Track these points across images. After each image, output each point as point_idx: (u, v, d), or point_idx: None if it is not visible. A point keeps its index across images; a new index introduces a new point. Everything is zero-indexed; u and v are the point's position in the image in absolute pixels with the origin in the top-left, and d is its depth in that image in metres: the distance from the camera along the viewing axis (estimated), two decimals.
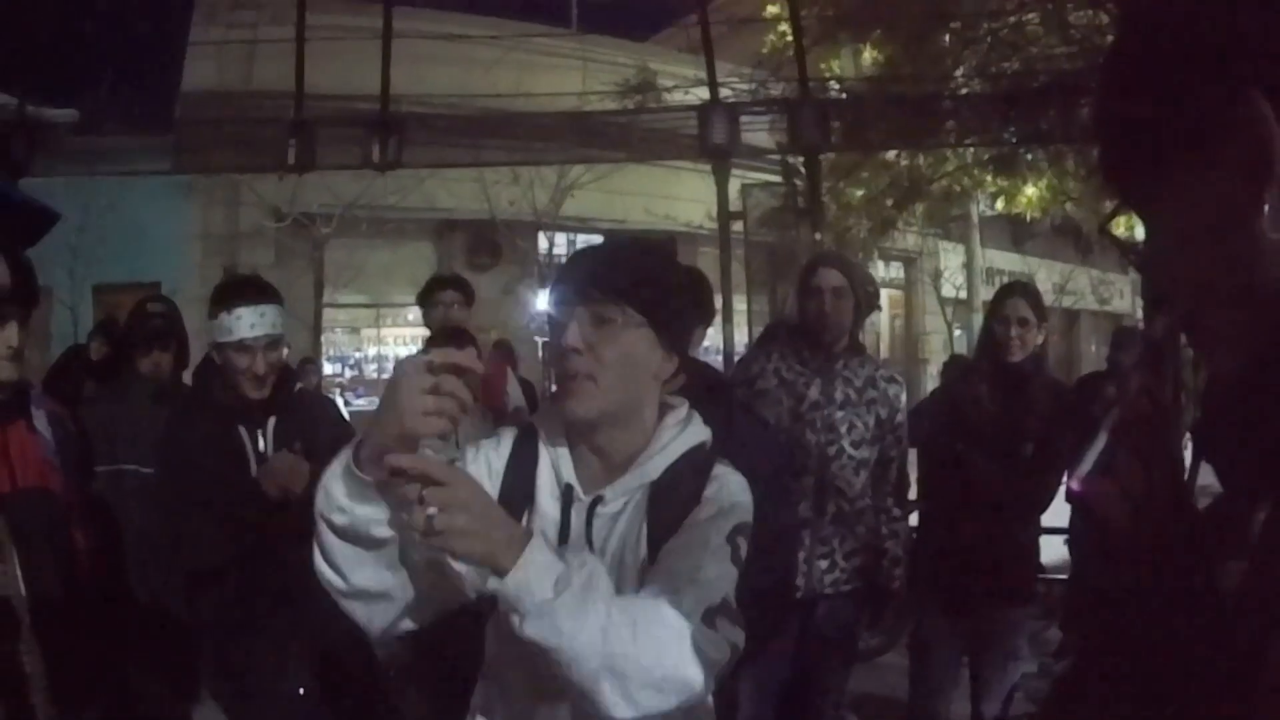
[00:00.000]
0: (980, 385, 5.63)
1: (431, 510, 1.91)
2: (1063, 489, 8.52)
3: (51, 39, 11.78)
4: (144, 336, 6.06)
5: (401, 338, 23.03)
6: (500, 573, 1.97)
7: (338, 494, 2.12)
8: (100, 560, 4.23)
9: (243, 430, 4.60)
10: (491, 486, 2.45)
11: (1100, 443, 1.95)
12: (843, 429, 5.12)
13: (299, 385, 5.04)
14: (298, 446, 4.51)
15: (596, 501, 2.44)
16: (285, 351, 4.75)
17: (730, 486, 2.46)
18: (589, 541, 2.41)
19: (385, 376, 5.01)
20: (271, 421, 4.64)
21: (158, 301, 6.33)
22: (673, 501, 2.41)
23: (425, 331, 6.66)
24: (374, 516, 2.12)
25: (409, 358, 2.27)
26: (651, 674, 2.07)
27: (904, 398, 5.31)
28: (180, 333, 6.24)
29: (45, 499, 3.92)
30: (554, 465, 2.51)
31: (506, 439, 2.61)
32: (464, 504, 1.96)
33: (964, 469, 5.52)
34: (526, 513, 2.46)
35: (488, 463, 2.55)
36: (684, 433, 2.51)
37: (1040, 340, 5.55)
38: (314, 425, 4.74)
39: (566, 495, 2.47)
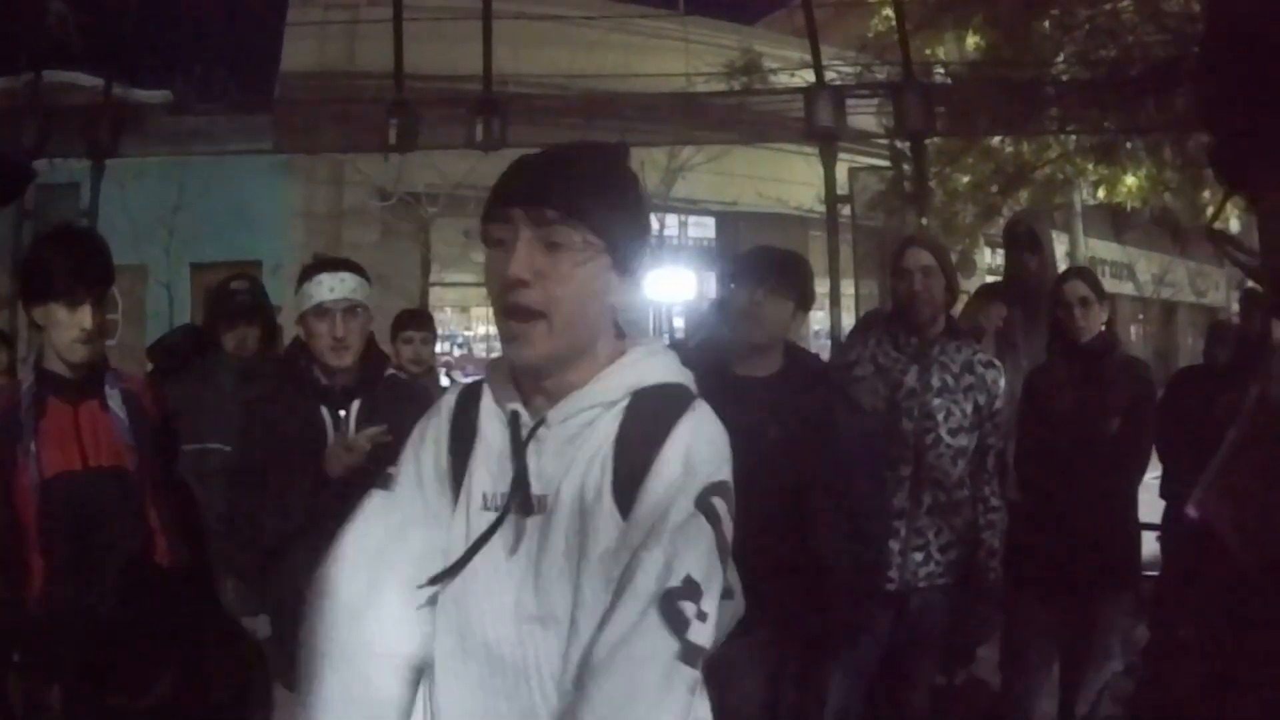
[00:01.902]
0: (1057, 369, 5.63)
1: None
2: (1156, 484, 8.45)
3: (146, 20, 11.83)
4: (227, 314, 6.05)
5: None
6: None
7: None
8: (175, 538, 4.25)
9: (325, 411, 4.55)
10: (439, 456, 2.29)
11: (1220, 459, 1.79)
12: (940, 416, 5.00)
13: (390, 371, 4.98)
14: (370, 430, 4.39)
15: (540, 424, 2.18)
16: (368, 321, 4.63)
17: (700, 439, 2.14)
18: (526, 469, 2.17)
19: (495, 355, 4.98)
20: (356, 404, 4.57)
21: (241, 279, 6.30)
22: (641, 434, 2.13)
23: None
24: None
25: None
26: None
27: (1003, 383, 5.16)
28: (266, 310, 6.25)
29: (116, 478, 3.94)
30: (498, 398, 2.25)
31: (449, 399, 2.39)
32: None
33: (1050, 452, 5.51)
34: (469, 467, 2.24)
35: (435, 435, 2.32)
36: (649, 361, 2.24)
37: (1105, 319, 5.61)
38: (401, 412, 4.66)
39: (514, 422, 2.20)
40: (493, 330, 4.72)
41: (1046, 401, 5.63)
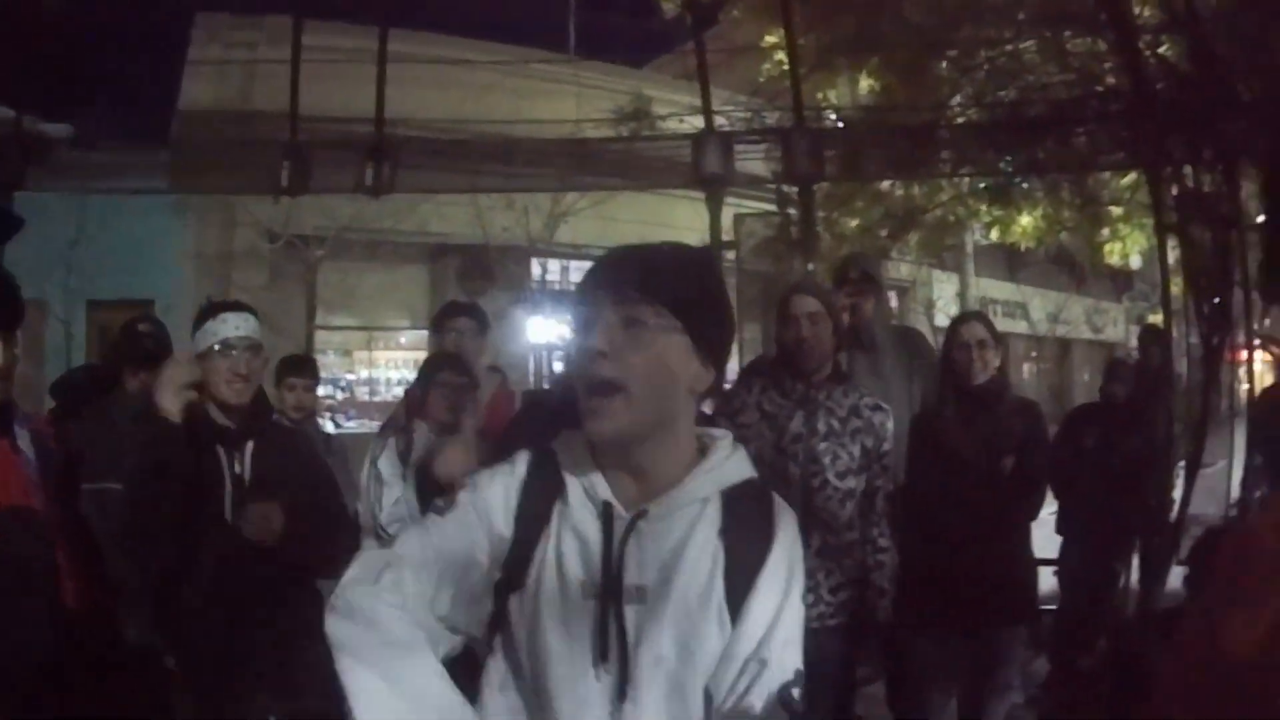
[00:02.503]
0: (948, 410, 5.71)
1: None
2: (1054, 519, 8.60)
3: (49, 53, 11.73)
4: (133, 356, 6.03)
5: (393, 361, 22.95)
6: None
7: None
8: (81, 579, 4.24)
9: (221, 451, 4.64)
10: (506, 516, 2.31)
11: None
12: (826, 460, 5.06)
13: (275, 417, 5.09)
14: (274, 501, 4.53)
15: (639, 516, 2.25)
16: (265, 361, 4.81)
17: (794, 528, 2.36)
18: (622, 559, 2.23)
19: (376, 399, 5.03)
20: (250, 446, 4.68)
21: (147, 322, 6.31)
22: (748, 533, 2.26)
23: (417, 355, 6.71)
24: None
25: None
26: None
27: (890, 426, 5.23)
28: (167, 353, 6.21)
29: (27, 517, 3.91)
30: (584, 486, 2.29)
31: (521, 463, 2.40)
32: None
33: (946, 493, 5.58)
34: (542, 544, 2.28)
35: (504, 489, 2.34)
36: (732, 458, 2.35)
37: (998, 362, 5.76)
38: (287, 459, 4.80)
39: (605, 514, 2.26)
40: (375, 374, 4.87)
41: (939, 443, 5.72)
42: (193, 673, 4.74)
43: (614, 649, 2.19)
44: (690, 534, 2.25)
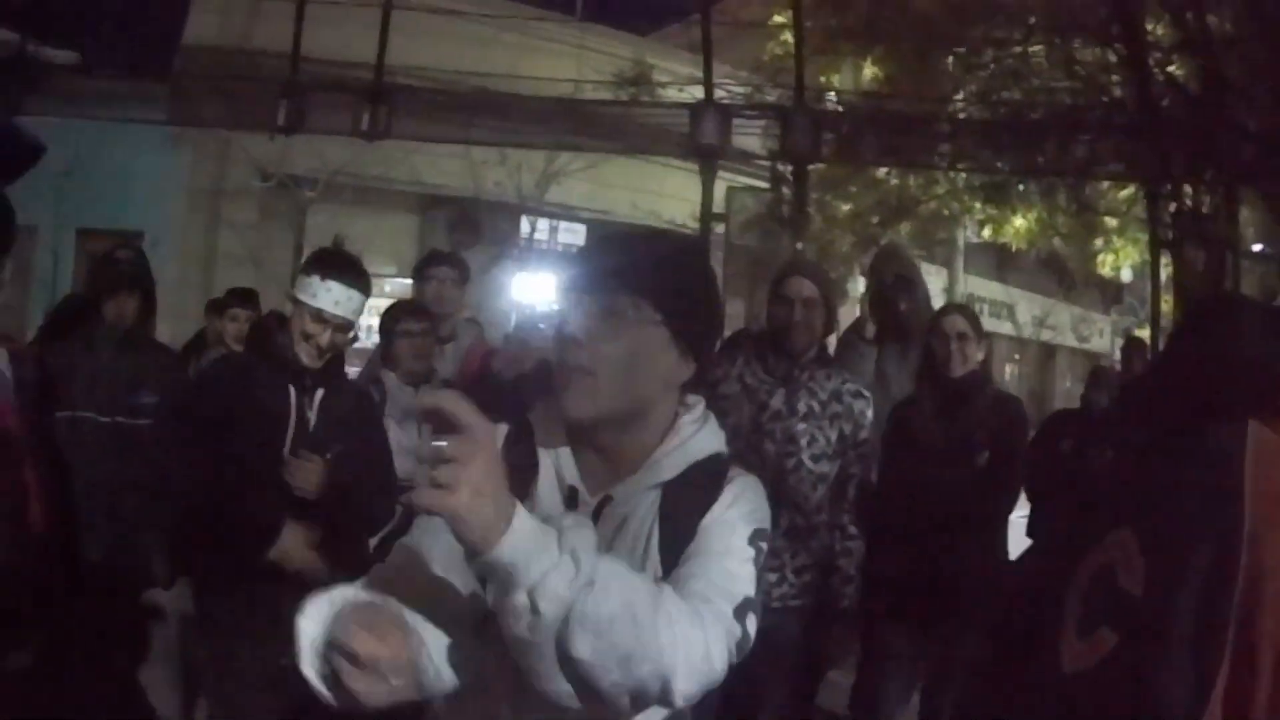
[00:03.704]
0: (925, 402, 5.67)
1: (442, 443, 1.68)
2: (1026, 523, 8.56)
3: None
4: (109, 282, 5.97)
5: (378, 308, 22.39)
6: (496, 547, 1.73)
7: None
8: (48, 503, 4.25)
9: (292, 391, 4.60)
10: None
11: None
12: (803, 441, 5.01)
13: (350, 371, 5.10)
14: (328, 457, 4.50)
15: (604, 503, 2.23)
16: (353, 338, 4.71)
17: (749, 492, 2.27)
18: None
19: (359, 346, 5.04)
20: (319, 394, 4.63)
21: (126, 248, 6.27)
22: (688, 506, 2.21)
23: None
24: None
25: None
26: (686, 653, 1.93)
27: (870, 414, 5.17)
28: (147, 281, 6.15)
29: (2, 436, 3.92)
30: (555, 466, 2.28)
31: (498, 438, 2.26)
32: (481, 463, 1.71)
33: (917, 485, 5.53)
34: None
35: None
36: (699, 433, 2.31)
37: (980, 357, 5.62)
38: (354, 413, 4.78)
39: (570, 498, 2.24)
40: (361, 320, 4.82)
41: (914, 433, 5.67)
42: (208, 613, 4.76)
43: None
44: (635, 514, 2.23)
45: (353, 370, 5.38)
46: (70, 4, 15.26)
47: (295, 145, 14.99)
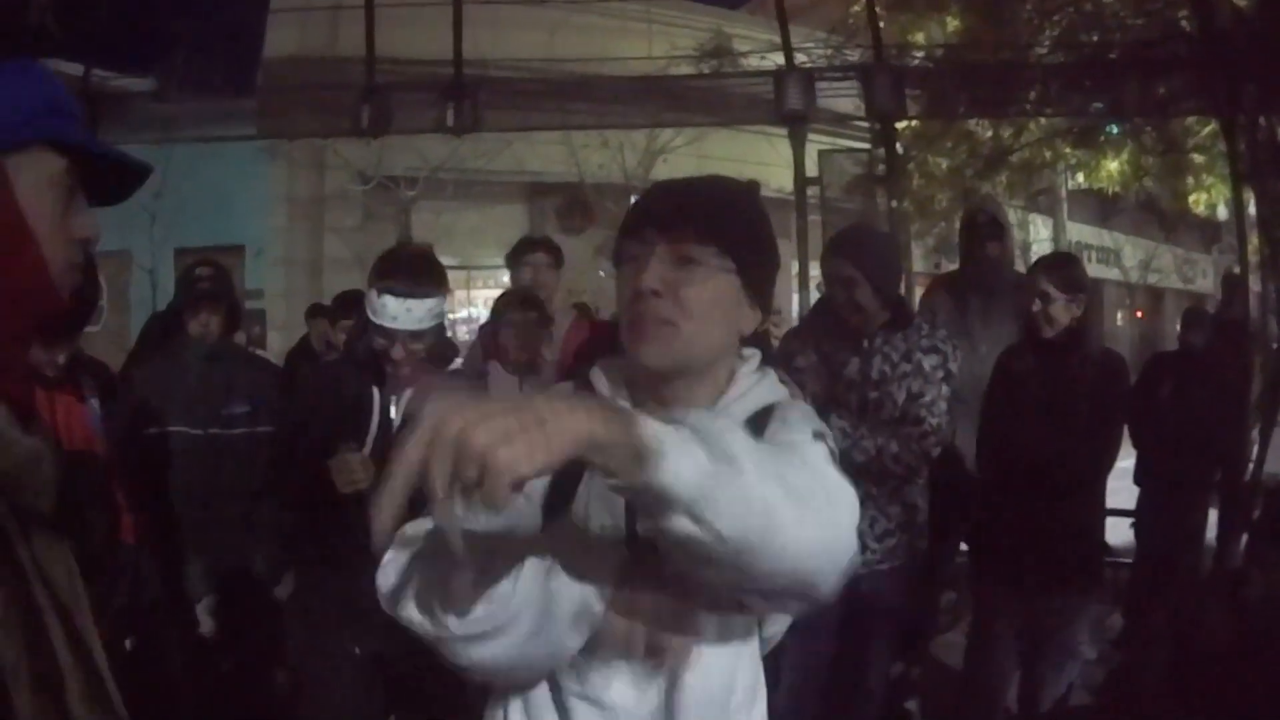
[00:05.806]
0: (1024, 360, 5.58)
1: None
2: (1132, 469, 8.41)
3: (128, 7, 11.86)
4: (192, 299, 6.10)
5: (492, 300, 22.49)
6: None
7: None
8: (142, 518, 4.42)
9: (376, 391, 4.62)
10: None
11: None
12: (875, 407, 5.02)
13: (456, 363, 5.08)
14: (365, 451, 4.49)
15: None
16: (428, 346, 4.57)
17: (793, 409, 2.18)
18: None
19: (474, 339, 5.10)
20: (407, 394, 4.58)
21: (205, 265, 6.36)
22: None
23: None
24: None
25: None
26: (822, 488, 1.88)
27: (946, 366, 5.07)
28: (230, 295, 6.32)
29: (89, 462, 4.06)
30: None
31: (562, 392, 2.34)
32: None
33: (1018, 444, 5.47)
34: (576, 486, 2.11)
35: None
36: (759, 385, 2.26)
37: (1078, 313, 5.44)
38: None
39: None
40: (474, 313, 4.84)
41: (1010, 390, 5.62)
42: (300, 603, 4.90)
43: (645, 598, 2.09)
44: None
45: (459, 361, 5.36)
46: (144, 32, 15.44)
47: (392, 146, 15.16)
